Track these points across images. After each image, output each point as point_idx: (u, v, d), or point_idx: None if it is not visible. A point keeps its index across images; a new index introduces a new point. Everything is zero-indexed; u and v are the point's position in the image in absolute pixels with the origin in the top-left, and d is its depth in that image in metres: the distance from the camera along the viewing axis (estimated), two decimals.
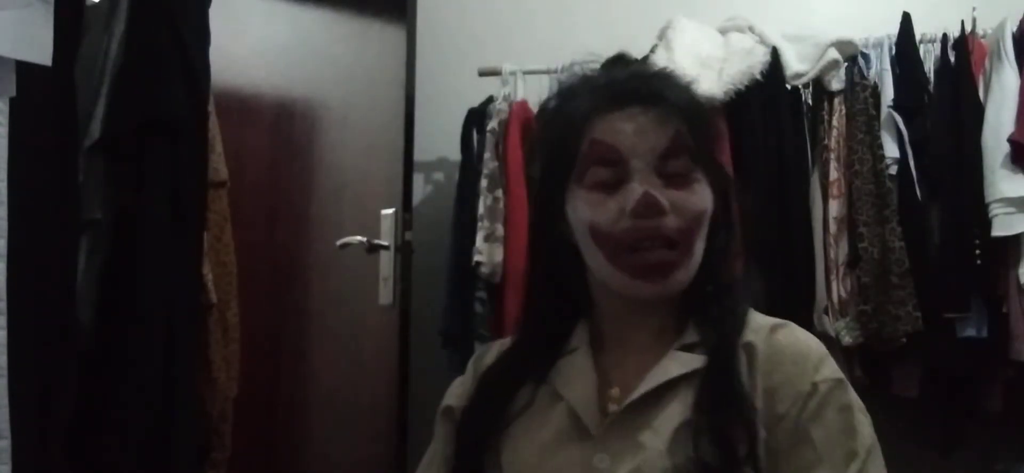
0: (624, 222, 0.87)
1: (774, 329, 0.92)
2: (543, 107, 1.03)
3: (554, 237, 0.96)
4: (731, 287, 0.95)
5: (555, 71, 2.50)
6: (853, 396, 0.89)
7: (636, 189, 0.87)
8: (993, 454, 2.60)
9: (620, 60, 1.02)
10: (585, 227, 0.90)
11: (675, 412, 0.86)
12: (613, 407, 0.90)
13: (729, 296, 0.93)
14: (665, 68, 1.01)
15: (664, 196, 0.87)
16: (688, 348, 0.91)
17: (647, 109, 0.89)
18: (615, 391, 0.91)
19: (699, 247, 0.90)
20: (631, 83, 0.92)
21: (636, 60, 1.05)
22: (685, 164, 0.89)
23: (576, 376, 0.94)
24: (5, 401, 1.33)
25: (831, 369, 0.89)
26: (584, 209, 0.90)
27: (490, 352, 1.04)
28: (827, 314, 2.42)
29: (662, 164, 0.88)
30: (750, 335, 0.90)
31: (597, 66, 0.99)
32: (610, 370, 0.94)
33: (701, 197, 0.90)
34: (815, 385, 0.87)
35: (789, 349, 0.90)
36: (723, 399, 0.85)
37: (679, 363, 0.89)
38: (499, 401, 0.95)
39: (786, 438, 0.85)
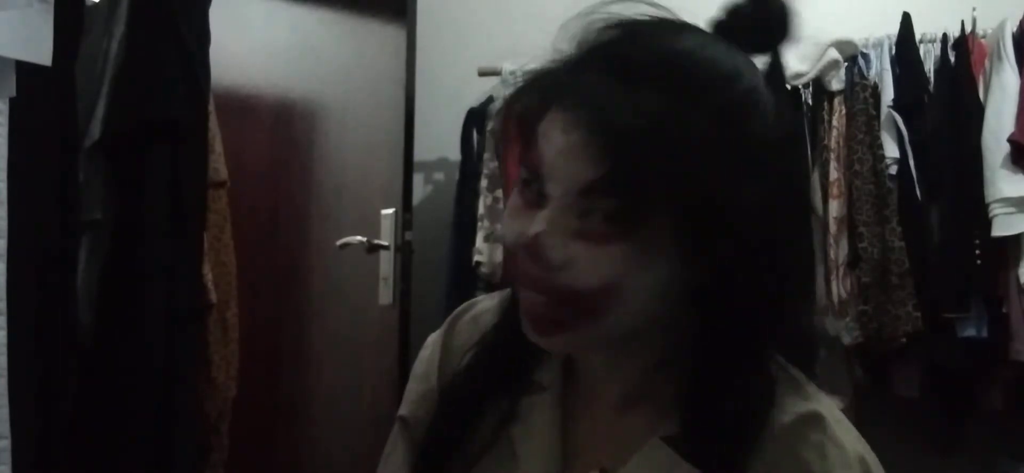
0: (520, 253, 0.66)
1: (793, 428, 0.68)
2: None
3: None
4: (734, 377, 0.68)
5: None
6: None
7: (536, 223, 0.64)
8: (993, 454, 2.60)
9: None
10: (500, 234, 0.75)
11: None
12: None
13: (729, 392, 0.67)
14: (693, 42, 0.69)
15: (564, 248, 0.63)
16: (671, 441, 0.69)
17: (591, 120, 0.61)
18: None
19: (615, 318, 0.65)
20: (586, 74, 0.64)
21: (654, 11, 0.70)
22: (618, 211, 0.62)
23: (537, 439, 0.74)
24: (5, 401, 1.33)
25: None
26: (507, 208, 0.69)
27: (463, 329, 0.84)
28: (827, 314, 2.43)
29: (584, 201, 0.63)
30: (768, 444, 0.67)
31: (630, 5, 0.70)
32: (583, 433, 0.74)
33: (623, 265, 0.63)
34: None
35: (804, 464, 0.67)
36: None
37: (665, 465, 0.69)
38: (459, 429, 0.76)
39: None
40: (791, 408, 0.69)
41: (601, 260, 0.63)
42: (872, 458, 0.69)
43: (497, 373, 0.77)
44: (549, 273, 0.64)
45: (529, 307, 0.68)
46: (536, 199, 0.66)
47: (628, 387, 0.73)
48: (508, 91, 0.76)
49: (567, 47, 0.69)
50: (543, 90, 0.67)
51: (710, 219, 0.61)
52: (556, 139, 0.63)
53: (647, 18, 0.69)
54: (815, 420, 0.68)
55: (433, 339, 0.86)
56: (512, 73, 2.75)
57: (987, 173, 2.32)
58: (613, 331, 0.67)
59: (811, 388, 0.72)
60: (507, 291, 0.81)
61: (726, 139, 0.61)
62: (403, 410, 0.85)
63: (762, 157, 0.64)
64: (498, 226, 2.57)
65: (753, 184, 0.62)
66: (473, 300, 0.88)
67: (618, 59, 0.64)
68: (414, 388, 0.85)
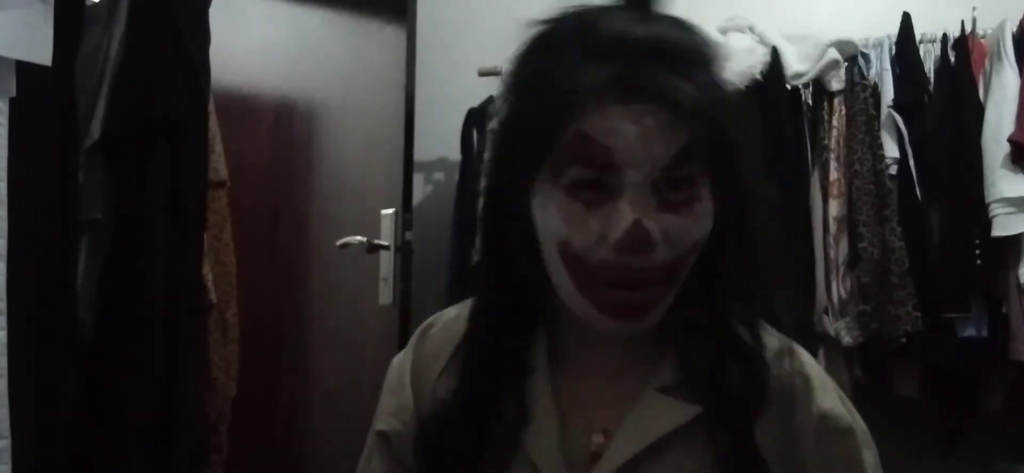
0: (604, 253, 0.69)
1: (774, 361, 0.78)
2: (521, 55, 0.76)
3: (512, 231, 0.76)
4: (723, 316, 0.76)
5: None
6: (860, 441, 0.79)
7: (625, 214, 0.68)
8: (993, 454, 2.60)
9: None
10: (553, 240, 0.71)
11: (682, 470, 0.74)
12: (591, 462, 0.76)
13: (732, 337, 0.76)
14: (690, 34, 0.73)
15: (658, 224, 0.68)
16: (668, 390, 0.75)
17: (659, 109, 0.67)
18: (597, 437, 0.76)
19: (684, 274, 0.72)
20: (646, 70, 0.68)
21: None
22: (691, 180, 0.69)
23: (534, 415, 0.77)
24: (5, 401, 1.33)
25: (838, 413, 0.78)
26: (556, 219, 0.70)
27: (434, 337, 0.86)
28: (827, 314, 2.42)
29: (663, 180, 0.68)
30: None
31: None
32: (579, 401, 0.78)
33: (702, 222, 0.71)
34: (819, 437, 0.77)
35: (790, 389, 0.77)
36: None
37: (663, 414, 0.75)
38: (455, 446, 0.78)
39: None
40: (771, 344, 0.78)
41: (690, 225, 0.70)
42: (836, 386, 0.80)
43: (485, 369, 0.79)
44: (649, 255, 0.68)
45: (622, 302, 0.71)
46: (599, 195, 0.69)
47: (616, 355, 0.78)
48: (527, 56, 0.77)
49: (562, 34, 0.73)
50: (584, 83, 0.69)
51: (732, 167, 0.71)
52: (628, 130, 0.67)
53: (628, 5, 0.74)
54: (790, 350, 0.79)
55: (400, 356, 0.89)
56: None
57: (987, 173, 2.31)
58: (672, 296, 0.73)
59: (780, 334, 0.80)
60: (469, 301, 0.84)
61: (739, 105, 0.76)
62: (380, 425, 0.86)
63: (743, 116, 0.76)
64: None
65: (746, 136, 0.74)
66: (436, 314, 0.90)
67: (659, 51, 0.69)
68: (388, 402, 0.87)
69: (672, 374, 0.76)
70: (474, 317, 0.82)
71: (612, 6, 0.74)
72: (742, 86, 2.44)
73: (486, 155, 2.68)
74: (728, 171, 0.71)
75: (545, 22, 0.75)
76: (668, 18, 0.73)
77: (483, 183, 0.80)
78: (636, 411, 0.75)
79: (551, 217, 0.71)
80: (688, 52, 0.71)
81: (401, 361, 0.88)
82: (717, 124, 0.69)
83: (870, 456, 0.79)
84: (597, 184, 0.69)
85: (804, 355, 0.80)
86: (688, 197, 0.70)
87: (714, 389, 0.74)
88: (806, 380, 0.78)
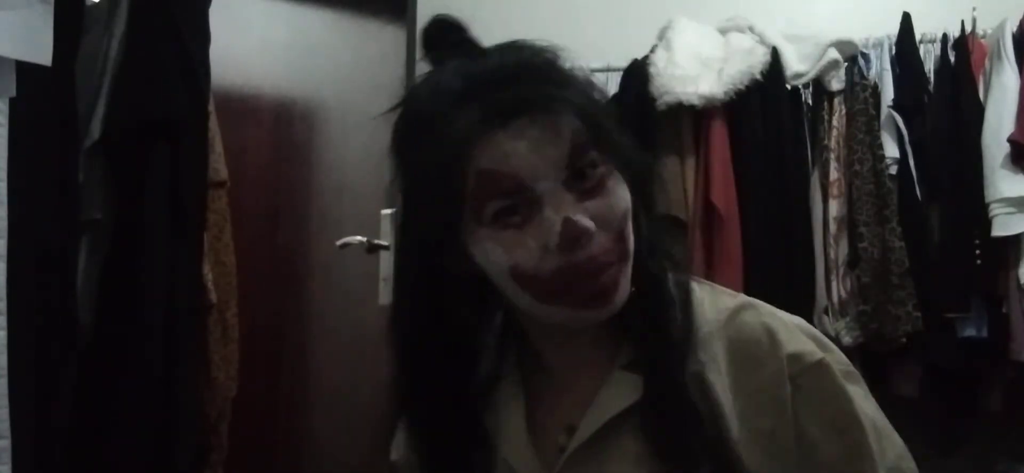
0: (551, 260, 0.72)
1: (728, 322, 0.80)
2: (398, 126, 0.81)
3: (451, 276, 0.79)
4: (662, 282, 0.80)
5: None
6: (838, 370, 0.79)
7: (553, 219, 0.72)
8: (993, 454, 2.60)
9: (461, 44, 0.83)
10: (504, 271, 0.75)
11: (632, 450, 0.76)
12: (559, 453, 0.79)
13: (661, 294, 0.80)
14: (526, 47, 0.80)
15: (585, 214, 0.72)
16: (628, 367, 0.79)
17: (535, 117, 0.72)
18: (561, 435, 0.80)
19: (631, 245, 0.76)
20: (513, 91, 0.73)
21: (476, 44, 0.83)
22: (594, 165, 0.74)
23: (505, 421, 0.82)
24: (5, 401, 1.33)
25: (805, 350, 0.78)
26: (497, 251, 0.74)
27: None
28: (827, 314, 2.42)
29: (570, 175, 0.73)
30: (704, 337, 0.79)
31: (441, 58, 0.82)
32: (548, 400, 0.83)
33: (619, 193, 0.75)
34: (795, 380, 0.77)
35: (751, 344, 0.78)
36: (675, 433, 0.75)
37: (623, 389, 0.78)
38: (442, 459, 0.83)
39: (788, 452, 0.76)
40: (722, 305, 0.81)
41: (611, 201, 0.74)
42: (808, 326, 0.82)
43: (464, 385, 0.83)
44: (591, 242, 0.73)
45: (589, 292, 0.74)
46: (525, 214, 0.73)
47: (580, 350, 0.81)
48: (403, 128, 0.82)
49: (427, 98, 0.79)
50: (461, 130, 0.73)
51: (627, 150, 0.78)
52: (518, 148, 0.72)
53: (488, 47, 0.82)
54: (749, 305, 0.81)
55: None
56: None
57: (987, 173, 2.31)
58: (630, 267, 0.76)
59: (737, 293, 0.84)
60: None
61: (602, 94, 0.83)
62: (394, 455, 0.93)
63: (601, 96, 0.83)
64: None
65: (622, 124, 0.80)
66: None
67: (516, 73, 0.75)
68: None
69: (630, 353, 0.79)
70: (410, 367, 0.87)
71: (466, 58, 0.80)
72: (742, 84, 2.44)
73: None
74: (617, 147, 0.77)
75: (409, 96, 0.82)
76: (527, 46, 0.79)
77: (396, 262, 0.84)
78: (601, 392, 0.79)
79: (490, 252, 0.75)
80: (545, 65, 0.77)
81: None
82: (591, 109, 0.75)
83: (854, 388, 0.79)
84: (517, 207, 0.73)
85: (765, 308, 0.81)
86: (598, 179, 0.74)
87: (649, 351, 0.78)
88: (769, 331, 0.79)
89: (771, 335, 0.78)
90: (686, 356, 0.77)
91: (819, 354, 0.78)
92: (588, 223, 0.72)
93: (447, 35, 0.85)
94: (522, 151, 0.72)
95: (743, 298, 0.82)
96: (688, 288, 0.82)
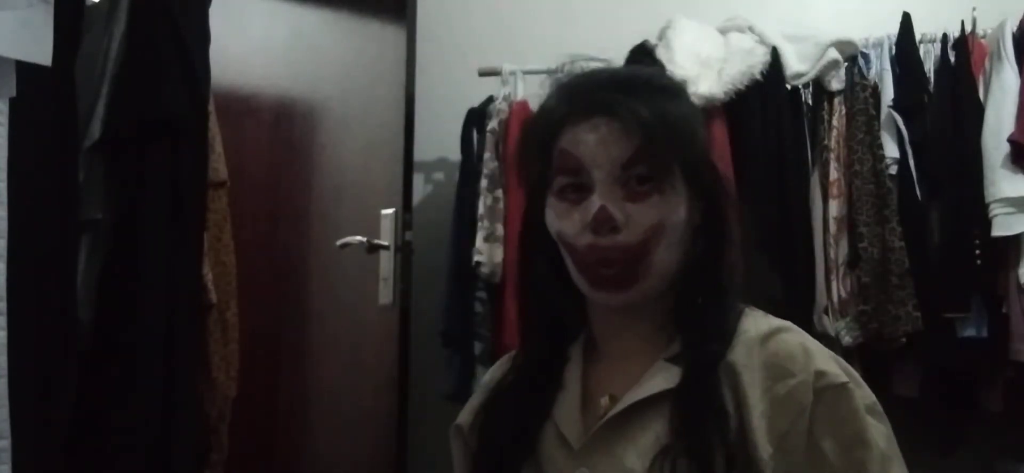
0: (585, 237, 0.89)
1: (768, 338, 0.90)
2: (530, 118, 1.02)
3: (545, 244, 0.96)
4: (718, 296, 0.93)
5: (555, 71, 2.50)
6: (860, 398, 0.86)
7: (595, 203, 0.88)
8: (993, 454, 2.60)
9: (640, 51, 1.02)
10: (556, 235, 0.93)
11: (658, 429, 0.87)
12: (601, 415, 0.92)
13: (715, 306, 0.92)
14: (647, 72, 1.00)
15: (622, 210, 0.88)
16: (675, 359, 0.91)
17: (611, 120, 0.89)
18: (605, 401, 0.93)
19: (660, 258, 0.90)
20: (599, 93, 0.92)
21: (647, 56, 1.03)
22: (649, 175, 0.89)
23: (564, 390, 0.96)
24: (5, 401, 1.33)
25: (834, 372, 0.87)
26: (553, 218, 0.93)
27: (495, 371, 1.08)
28: (827, 314, 2.42)
29: (624, 174, 0.89)
30: (740, 347, 0.89)
31: (597, 64, 1.00)
32: (601, 378, 0.96)
33: (663, 208, 0.89)
34: (818, 393, 0.85)
35: (785, 358, 0.88)
36: (698, 419, 0.85)
37: (663, 377, 0.89)
38: (507, 426, 0.97)
39: (797, 454, 0.84)
40: (764, 325, 0.92)
41: (647, 210, 0.89)
42: (846, 363, 0.91)
43: (533, 371, 0.99)
44: (615, 237, 0.88)
45: (604, 277, 0.90)
46: (578, 194, 0.90)
47: (636, 340, 0.94)
48: (521, 134, 1.03)
49: (552, 90, 0.98)
50: (557, 113, 0.93)
51: (699, 171, 0.93)
52: (589, 138, 0.90)
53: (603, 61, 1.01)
54: (790, 328, 0.92)
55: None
56: (512, 73, 2.75)
57: (987, 173, 2.31)
58: (661, 271, 0.90)
59: (782, 320, 0.94)
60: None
61: (695, 120, 0.97)
62: (458, 419, 1.06)
63: (703, 132, 0.98)
64: (499, 226, 2.57)
65: (707, 149, 0.97)
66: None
67: (614, 81, 0.94)
68: (465, 410, 1.07)
69: (678, 347, 0.91)
70: (522, 331, 1.04)
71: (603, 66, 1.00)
72: (742, 84, 2.44)
73: (486, 155, 2.67)
74: (688, 169, 0.91)
75: (551, 85, 1.00)
76: (639, 67, 0.92)
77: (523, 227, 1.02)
78: (645, 376, 0.91)
79: (551, 218, 0.93)
80: (644, 82, 0.94)
81: (481, 384, 1.09)
82: (665, 129, 0.89)
83: (872, 419, 0.86)
84: (579, 186, 0.91)
85: (805, 334, 0.92)
86: (650, 190, 0.89)
87: (690, 347, 0.91)
88: (805, 349, 0.89)
89: (806, 352, 0.88)
90: (722, 356, 0.88)
91: (845, 379, 0.87)
92: (618, 216, 0.88)
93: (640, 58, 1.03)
94: (590, 141, 0.90)
95: (787, 323, 0.93)
96: (736, 302, 0.93)
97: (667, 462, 0.84)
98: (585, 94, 0.93)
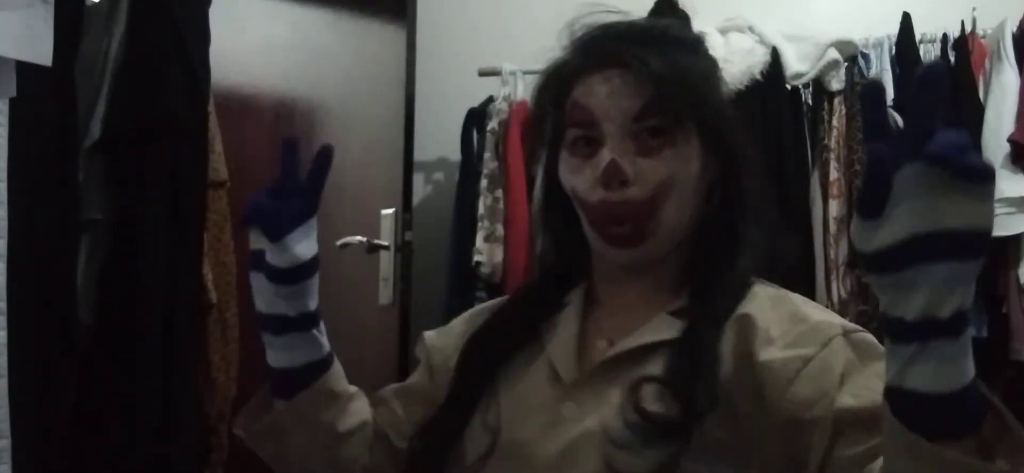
0: (596, 192, 0.87)
1: (780, 298, 0.89)
2: (545, 70, 0.98)
3: (559, 196, 0.95)
4: (731, 254, 0.91)
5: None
6: (862, 342, 0.82)
7: (605, 156, 0.86)
8: None
9: (664, 3, 0.97)
10: (570, 191, 0.91)
11: (648, 371, 0.85)
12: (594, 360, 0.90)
13: (727, 264, 0.90)
14: (664, 23, 0.97)
15: (632, 164, 0.86)
16: (678, 313, 0.88)
17: (625, 71, 0.86)
18: (602, 344, 0.91)
19: (670, 213, 0.88)
20: (612, 44, 0.89)
21: (671, 9, 0.99)
22: (661, 128, 0.86)
23: (560, 328, 0.94)
24: (5, 401, 1.33)
25: (838, 324, 0.84)
26: (565, 172, 0.91)
27: (486, 310, 1.06)
28: None
29: (636, 127, 0.86)
30: (748, 306, 0.87)
31: (614, 16, 0.95)
32: (600, 324, 0.93)
33: (674, 163, 0.87)
34: (847, 335, 0.82)
35: (803, 311, 0.86)
36: (689, 363, 0.82)
37: (663, 327, 0.87)
38: (494, 345, 0.96)
39: (824, 368, 0.80)
40: (767, 293, 0.90)
41: (658, 165, 0.86)
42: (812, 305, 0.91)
43: (531, 305, 0.99)
44: (625, 191, 0.86)
45: (615, 234, 0.88)
46: (589, 148, 0.88)
47: (643, 295, 0.92)
48: (534, 86, 0.99)
49: (567, 42, 0.95)
50: (571, 66, 0.91)
51: (714, 126, 0.89)
52: (601, 90, 0.87)
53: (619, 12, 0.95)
54: (786, 296, 0.91)
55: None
56: (512, 73, 2.75)
57: None
58: (672, 227, 0.88)
59: (785, 290, 0.92)
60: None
61: (711, 75, 0.94)
62: (427, 339, 1.08)
63: (721, 88, 0.96)
64: (499, 226, 2.58)
65: (725, 104, 0.95)
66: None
67: (628, 33, 0.91)
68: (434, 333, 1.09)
69: (684, 301, 0.89)
70: (537, 268, 1.05)
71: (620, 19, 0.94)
72: (742, 84, 2.44)
73: (486, 155, 2.67)
74: (702, 124, 0.88)
75: (569, 35, 0.95)
76: (655, 19, 0.88)
77: (539, 175, 1.03)
78: (646, 326, 0.89)
79: (564, 173, 0.92)
80: (659, 34, 0.91)
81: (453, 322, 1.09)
82: (680, 81, 0.87)
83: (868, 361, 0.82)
84: (590, 140, 0.88)
85: (800, 301, 0.91)
86: (662, 143, 0.87)
87: (695, 302, 0.88)
88: (821, 309, 0.89)
89: (824, 311, 0.88)
90: (729, 314, 0.86)
91: (847, 324, 0.85)
92: (628, 171, 0.85)
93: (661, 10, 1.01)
94: (602, 93, 0.87)
95: (783, 293, 0.91)
96: (749, 263, 0.91)
97: (640, 388, 0.82)
98: (599, 45, 0.90)
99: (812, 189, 2.49)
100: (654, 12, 2.50)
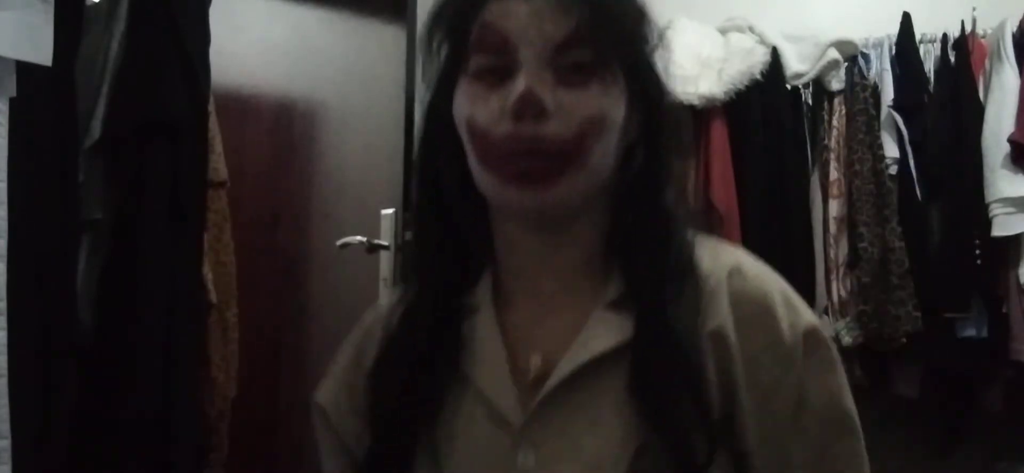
0: (504, 125, 0.71)
1: (734, 275, 0.76)
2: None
3: (447, 155, 0.77)
4: (663, 220, 0.76)
5: None
6: (828, 343, 0.77)
7: (520, 84, 0.70)
8: (993, 454, 2.60)
9: None
10: (463, 123, 0.74)
11: (615, 397, 0.71)
12: (533, 387, 0.74)
13: (662, 232, 0.76)
14: None
15: (552, 96, 0.70)
16: (615, 305, 0.74)
17: None
18: (535, 359, 0.75)
19: (597, 159, 0.73)
20: None
21: None
22: (588, 60, 0.72)
23: (480, 347, 0.76)
24: (5, 401, 1.33)
25: (804, 314, 0.76)
26: (463, 102, 0.74)
27: (374, 330, 0.87)
28: (827, 314, 2.43)
29: (558, 57, 0.71)
30: (715, 314, 0.73)
31: None
32: (524, 332, 0.77)
33: (602, 101, 0.72)
34: (797, 338, 0.74)
35: (757, 300, 0.75)
36: (673, 398, 0.70)
37: (608, 330, 0.73)
38: (413, 400, 0.76)
39: (785, 400, 0.72)
40: (723, 260, 0.77)
41: (584, 99, 0.72)
42: (786, 286, 0.79)
43: (428, 318, 0.78)
44: (542, 124, 0.70)
45: (522, 170, 0.71)
46: (499, 77, 0.72)
47: (561, 280, 0.77)
48: (432, 5, 0.81)
49: None
50: None
51: (642, 72, 0.76)
52: (519, 10, 0.72)
53: None
54: (750, 261, 0.78)
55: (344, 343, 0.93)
56: None
57: (987, 173, 2.32)
58: (595, 172, 0.73)
59: (734, 247, 0.81)
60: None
61: (645, 19, 0.78)
62: (318, 397, 0.92)
63: (653, 37, 0.79)
64: None
65: (651, 54, 0.78)
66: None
67: None
68: (330, 376, 0.92)
69: (619, 287, 0.75)
70: (415, 265, 0.83)
71: None
72: (742, 84, 2.44)
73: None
74: (633, 68, 0.75)
75: None
76: None
77: (420, 129, 0.82)
78: (584, 331, 0.74)
79: (461, 104, 0.74)
80: None
81: (344, 345, 0.92)
82: (615, 11, 0.74)
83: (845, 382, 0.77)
84: (500, 69, 0.72)
85: (764, 266, 0.80)
86: (587, 76, 0.72)
87: (649, 305, 0.73)
88: (782, 292, 0.78)
89: (788, 301, 0.77)
90: (680, 299, 0.73)
91: (813, 319, 0.77)
92: (548, 103, 0.70)
93: None
94: (521, 14, 0.72)
95: (741, 252, 0.79)
96: (686, 230, 0.77)
97: (647, 462, 0.69)
98: None
99: (812, 189, 2.50)
100: None
